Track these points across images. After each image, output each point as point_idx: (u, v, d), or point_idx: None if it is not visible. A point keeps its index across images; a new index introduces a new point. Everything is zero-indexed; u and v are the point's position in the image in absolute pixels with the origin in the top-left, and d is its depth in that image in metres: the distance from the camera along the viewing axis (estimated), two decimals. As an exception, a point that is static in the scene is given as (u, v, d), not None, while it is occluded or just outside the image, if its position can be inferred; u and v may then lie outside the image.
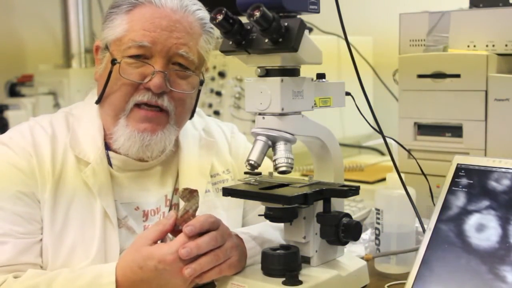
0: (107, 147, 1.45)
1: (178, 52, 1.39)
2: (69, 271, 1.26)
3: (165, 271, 1.20)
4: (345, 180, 1.44)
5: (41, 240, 1.34)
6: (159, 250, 1.21)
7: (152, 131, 1.39)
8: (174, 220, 1.26)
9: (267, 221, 1.34)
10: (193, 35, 1.42)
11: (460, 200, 1.20)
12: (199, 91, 1.49)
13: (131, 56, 1.38)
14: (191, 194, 1.28)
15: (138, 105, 1.39)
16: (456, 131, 1.89)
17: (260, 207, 1.35)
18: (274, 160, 1.25)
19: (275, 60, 1.23)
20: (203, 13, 1.45)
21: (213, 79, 2.64)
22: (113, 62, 1.38)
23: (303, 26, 1.19)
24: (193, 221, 1.25)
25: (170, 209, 1.49)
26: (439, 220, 1.20)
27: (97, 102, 1.44)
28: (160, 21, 1.38)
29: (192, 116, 1.52)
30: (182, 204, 1.30)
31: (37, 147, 1.37)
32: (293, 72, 1.26)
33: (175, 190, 1.51)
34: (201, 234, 1.24)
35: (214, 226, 1.26)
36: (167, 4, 1.39)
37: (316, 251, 1.34)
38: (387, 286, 1.41)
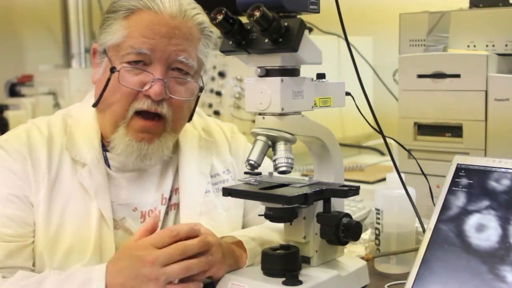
0: (105, 148, 1.45)
1: (177, 59, 1.39)
2: (57, 273, 1.25)
3: (135, 257, 1.21)
4: (345, 180, 1.43)
5: (32, 243, 1.33)
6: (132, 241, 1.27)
7: (149, 140, 1.40)
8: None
9: (266, 223, 1.34)
10: (192, 41, 1.42)
11: (460, 200, 1.20)
12: (198, 97, 1.49)
13: (129, 62, 1.38)
14: None
15: (137, 113, 1.39)
16: (456, 131, 1.89)
17: (260, 207, 1.35)
18: (274, 160, 1.25)
19: (275, 60, 1.23)
20: (202, 17, 1.44)
21: (213, 79, 2.64)
22: (112, 70, 1.37)
23: (303, 26, 1.19)
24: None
25: (167, 208, 1.49)
26: (439, 220, 1.20)
27: (94, 105, 1.44)
28: (159, 28, 1.37)
29: (190, 120, 1.52)
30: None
31: (32, 150, 1.37)
32: (293, 72, 1.25)
33: (175, 190, 1.51)
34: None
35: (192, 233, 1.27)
36: (166, 10, 1.38)
37: (316, 251, 1.34)
38: (387, 286, 1.41)
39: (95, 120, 1.45)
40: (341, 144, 1.49)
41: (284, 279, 1.24)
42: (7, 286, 1.22)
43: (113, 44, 1.40)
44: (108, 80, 1.38)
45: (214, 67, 2.63)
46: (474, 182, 1.20)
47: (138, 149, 1.39)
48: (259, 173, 1.41)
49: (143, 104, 1.38)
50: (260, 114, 1.27)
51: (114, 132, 1.40)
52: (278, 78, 1.22)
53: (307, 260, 1.34)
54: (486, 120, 1.81)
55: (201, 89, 1.48)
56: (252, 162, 1.24)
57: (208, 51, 1.48)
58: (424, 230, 1.32)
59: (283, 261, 1.27)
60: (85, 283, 1.20)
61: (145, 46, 1.36)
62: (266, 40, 1.19)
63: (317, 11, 1.25)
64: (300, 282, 1.24)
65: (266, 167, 1.38)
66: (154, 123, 1.40)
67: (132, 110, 1.38)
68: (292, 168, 1.24)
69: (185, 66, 1.41)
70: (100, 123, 1.45)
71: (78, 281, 1.21)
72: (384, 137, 1.41)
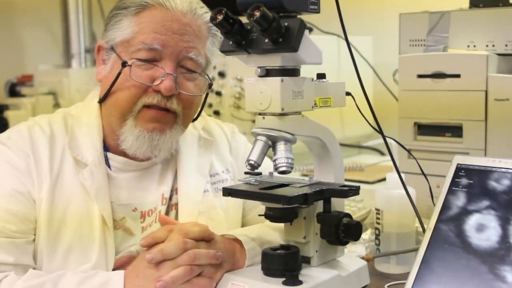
0: (106, 148, 1.45)
1: (187, 56, 1.40)
2: (74, 273, 1.25)
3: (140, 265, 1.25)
4: (345, 180, 1.43)
5: (33, 240, 1.33)
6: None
7: (160, 130, 1.39)
8: None
9: (266, 222, 1.34)
10: (201, 38, 1.43)
11: (460, 200, 1.20)
12: (207, 94, 1.50)
13: (140, 59, 1.38)
14: None
15: (146, 106, 1.39)
16: (456, 131, 1.89)
17: (260, 207, 1.35)
18: (274, 160, 1.25)
19: (275, 60, 1.23)
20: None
21: (213, 79, 2.64)
22: (124, 64, 1.37)
23: (303, 26, 1.19)
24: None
25: (167, 208, 1.49)
26: (439, 220, 1.20)
27: (101, 101, 1.44)
28: (171, 24, 1.38)
29: (197, 118, 1.53)
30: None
31: (35, 148, 1.37)
32: (293, 72, 1.25)
33: (175, 190, 1.51)
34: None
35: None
36: (177, 7, 1.39)
37: (316, 251, 1.34)
38: (387, 286, 1.41)
39: (98, 120, 1.45)
40: (341, 144, 1.49)
41: (284, 279, 1.24)
42: (22, 283, 1.22)
43: (123, 40, 1.40)
44: (119, 74, 1.38)
45: (214, 67, 2.63)
46: (474, 182, 1.20)
47: (149, 140, 1.38)
48: (259, 173, 1.41)
49: (152, 99, 1.38)
50: (260, 114, 1.27)
51: (122, 126, 1.40)
52: (278, 78, 1.22)
53: (307, 260, 1.34)
54: (486, 120, 1.81)
55: (210, 86, 1.48)
56: (252, 162, 1.24)
57: (214, 49, 1.48)
58: (424, 230, 1.32)
59: (283, 261, 1.27)
60: (104, 284, 1.22)
61: (156, 42, 1.37)
62: (266, 40, 1.19)
63: (317, 11, 1.25)
64: (300, 282, 1.24)
65: (266, 167, 1.38)
66: (165, 113, 1.40)
67: (140, 104, 1.38)
68: (292, 168, 1.24)
69: (194, 63, 1.42)
70: (105, 119, 1.45)
71: (97, 281, 1.22)
72: (384, 137, 1.41)
